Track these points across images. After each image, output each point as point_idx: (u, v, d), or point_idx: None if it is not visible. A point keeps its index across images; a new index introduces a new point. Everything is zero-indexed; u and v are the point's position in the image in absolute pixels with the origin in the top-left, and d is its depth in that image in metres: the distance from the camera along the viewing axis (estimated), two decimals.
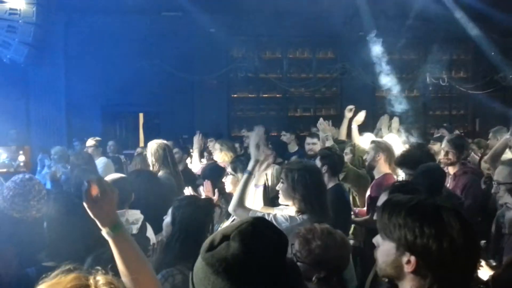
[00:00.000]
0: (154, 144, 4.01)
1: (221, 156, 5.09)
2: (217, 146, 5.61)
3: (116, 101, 9.51)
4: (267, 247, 1.14)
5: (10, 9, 5.93)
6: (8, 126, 7.95)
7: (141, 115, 10.70)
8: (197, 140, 5.43)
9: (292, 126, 7.78)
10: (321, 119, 4.64)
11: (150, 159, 3.97)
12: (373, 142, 4.00)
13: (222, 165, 4.27)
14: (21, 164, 6.39)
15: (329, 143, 4.32)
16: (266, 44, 10.20)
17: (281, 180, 2.71)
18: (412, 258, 1.26)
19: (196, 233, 2.27)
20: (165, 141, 4.11)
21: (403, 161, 3.60)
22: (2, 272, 1.93)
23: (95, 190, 1.43)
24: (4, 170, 6.15)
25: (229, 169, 3.33)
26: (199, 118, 9.63)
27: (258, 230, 1.16)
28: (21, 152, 6.62)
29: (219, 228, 2.91)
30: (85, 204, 1.43)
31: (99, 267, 1.07)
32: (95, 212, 1.44)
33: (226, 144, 5.20)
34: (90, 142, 5.79)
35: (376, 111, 8.75)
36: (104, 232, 1.44)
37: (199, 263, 1.16)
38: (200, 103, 9.82)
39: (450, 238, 1.24)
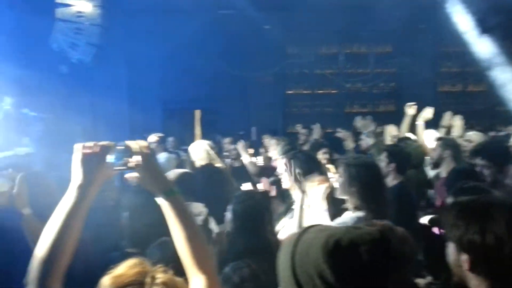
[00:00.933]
0: (198, 144, 4.16)
1: (271, 152, 5.12)
2: (273, 142, 5.63)
3: (175, 98, 9.79)
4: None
5: (78, 12, 6.28)
6: (75, 123, 8.42)
7: (197, 112, 10.95)
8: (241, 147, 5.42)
9: (348, 123, 7.62)
10: (357, 118, 4.55)
11: (195, 158, 4.10)
12: (439, 139, 3.83)
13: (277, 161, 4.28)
14: None
15: (371, 141, 4.21)
16: (322, 39, 10.05)
17: (339, 174, 2.68)
18: (465, 256, 1.31)
19: (257, 227, 2.30)
20: (207, 141, 4.26)
21: (481, 150, 3.38)
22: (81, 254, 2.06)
23: (136, 160, 1.37)
24: None
25: (287, 165, 3.30)
26: (254, 114, 9.70)
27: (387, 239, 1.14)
28: None
29: (279, 224, 2.92)
30: (136, 175, 1.40)
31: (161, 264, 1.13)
32: (146, 180, 1.40)
33: (282, 141, 5.21)
34: (153, 138, 6.00)
35: (438, 107, 8.35)
36: (160, 198, 1.40)
37: (315, 260, 1.07)
38: (255, 100, 9.88)
39: (494, 234, 1.26)
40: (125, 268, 1.08)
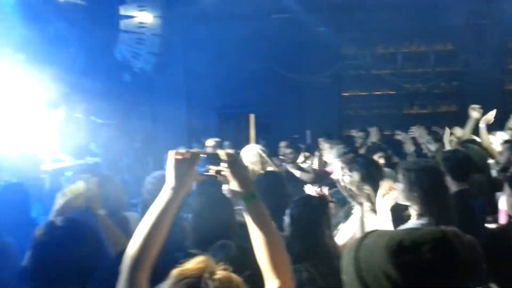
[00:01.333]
0: (250, 148, 4.21)
1: (326, 155, 5.08)
2: (327, 146, 5.59)
3: (230, 103, 9.97)
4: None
5: (139, 23, 6.60)
6: (136, 128, 8.83)
7: (251, 116, 11.06)
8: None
9: (407, 125, 7.37)
10: (413, 128, 4.38)
11: (248, 162, 4.17)
12: (507, 141, 3.61)
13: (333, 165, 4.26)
14: None
15: (433, 147, 4.03)
16: (378, 38, 9.81)
17: (398, 180, 2.61)
18: None
19: (314, 231, 2.31)
20: (259, 145, 4.32)
21: None
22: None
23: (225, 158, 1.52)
24: None
25: (345, 170, 3.27)
26: (309, 117, 9.65)
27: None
28: None
29: (338, 229, 2.90)
30: (227, 169, 1.52)
31: (223, 263, 1.18)
32: (235, 176, 1.52)
33: (337, 144, 5.17)
34: (210, 142, 6.15)
35: (505, 107, 7.88)
36: (241, 199, 1.52)
37: (380, 261, 1.10)
38: (310, 103, 9.83)
39: None
40: (192, 263, 1.17)
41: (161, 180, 2.67)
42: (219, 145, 6.44)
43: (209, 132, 8.25)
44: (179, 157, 1.49)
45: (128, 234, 2.51)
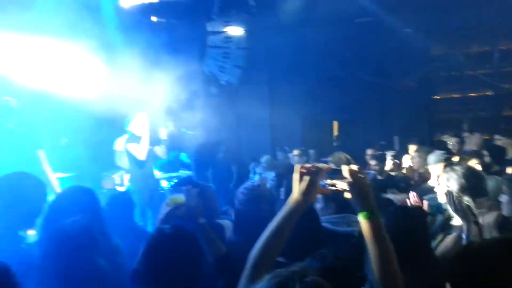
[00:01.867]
0: (337, 156, 4.18)
1: (418, 163, 4.87)
2: (419, 153, 5.36)
3: (313, 110, 9.94)
4: None
5: (226, 38, 6.89)
6: (220, 138, 9.12)
7: (335, 123, 10.94)
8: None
9: (508, 128, 6.81)
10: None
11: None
12: None
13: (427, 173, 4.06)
14: None
15: None
16: (472, 36, 9.18)
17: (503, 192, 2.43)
18: None
19: (410, 242, 2.22)
20: (344, 153, 4.26)
21: None
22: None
23: (351, 173, 1.60)
24: None
25: (443, 178, 3.09)
26: (396, 123, 9.29)
27: None
28: None
29: (436, 240, 2.77)
30: (349, 182, 1.60)
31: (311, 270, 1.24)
32: (356, 191, 1.60)
33: (424, 150, 4.97)
34: (296, 152, 6.24)
35: None
36: (360, 215, 1.58)
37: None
38: (397, 108, 9.47)
39: None
40: (289, 268, 1.24)
41: (253, 191, 2.77)
42: (304, 154, 6.46)
43: (293, 140, 8.30)
44: (304, 171, 1.60)
45: (224, 241, 2.64)
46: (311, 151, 7.35)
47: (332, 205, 2.63)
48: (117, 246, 2.67)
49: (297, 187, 1.60)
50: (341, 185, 1.62)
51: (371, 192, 1.62)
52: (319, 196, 2.49)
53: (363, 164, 6.19)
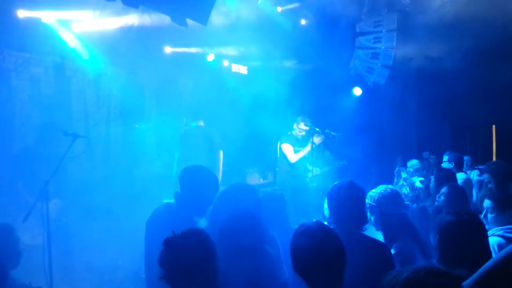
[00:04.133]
0: (500, 165, 3.85)
1: None
2: None
3: (465, 114, 9.16)
4: None
5: (375, 38, 6.76)
6: (360, 139, 8.96)
7: (493, 127, 9.88)
8: None
9: None
10: None
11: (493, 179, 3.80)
12: None
13: None
14: None
15: None
16: None
17: None
18: None
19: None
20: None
21: None
22: None
23: None
24: None
25: None
26: None
27: None
28: None
29: None
30: None
31: None
32: None
33: None
34: (446, 156, 5.83)
35: None
36: None
37: None
38: None
39: None
40: None
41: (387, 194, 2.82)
42: (458, 160, 5.99)
43: (441, 145, 7.75)
44: None
45: None
46: (466, 158, 6.80)
47: None
48: (273, 238, 2.90)
49: None
50: None
51: None
52: None
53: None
